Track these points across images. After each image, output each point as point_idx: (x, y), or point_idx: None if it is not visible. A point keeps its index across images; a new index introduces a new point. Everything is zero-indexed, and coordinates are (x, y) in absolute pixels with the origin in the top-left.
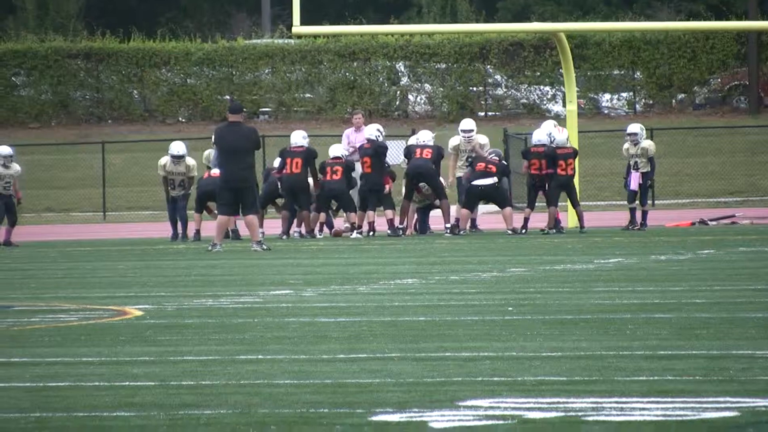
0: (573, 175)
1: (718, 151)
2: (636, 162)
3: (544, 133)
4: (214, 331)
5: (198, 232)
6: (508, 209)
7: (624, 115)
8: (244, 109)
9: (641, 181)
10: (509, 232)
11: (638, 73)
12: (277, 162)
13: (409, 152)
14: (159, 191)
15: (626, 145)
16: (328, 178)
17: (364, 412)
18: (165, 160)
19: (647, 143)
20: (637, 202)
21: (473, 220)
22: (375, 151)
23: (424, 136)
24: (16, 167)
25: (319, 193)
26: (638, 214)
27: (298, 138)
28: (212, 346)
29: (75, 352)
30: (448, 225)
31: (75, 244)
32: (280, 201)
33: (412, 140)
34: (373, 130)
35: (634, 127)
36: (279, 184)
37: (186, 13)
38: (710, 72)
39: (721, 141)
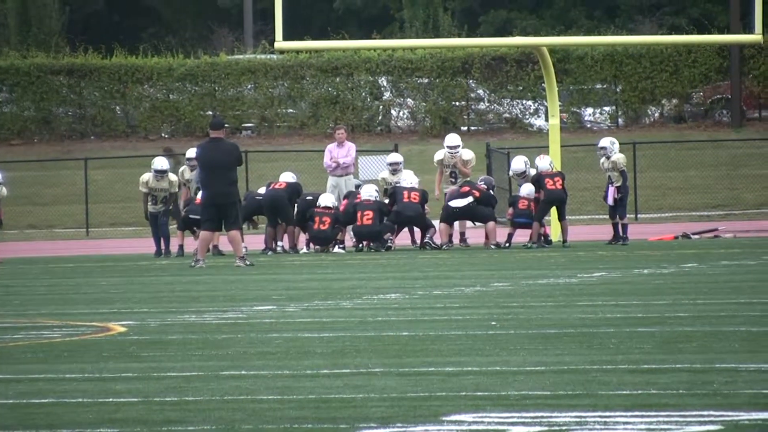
0: (563, 190)
1: (701, 165)
2: (609, 176)
3: (521, 162)
4: (197, 347)
5: (181, 247)
6: (491, 224)
7: (607, 129)
8: (227, 125)
9: (616, 195)
10: (492, 246)
11: (619, 87)
12: (262, 190)
13: (395, 194)
14: (142, 207)
15: (602, 160)
16: (316, 227)
17: (348, 427)
18: (147, 176)
19: (616, 157)
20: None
21: (462, 234)
22: (378, 208)
23: (410, 178)
24: (2, 191)
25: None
26: (620, 228)
27: (287, 177)
28: (195, 362)
29: (58, 368)
30: (429, 235)
31: (58, 261)
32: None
33: (384, 174)
34: (371, 190)
35: (604, 142)
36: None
37: (168, 29)
38: (692, 86)
39: (703, 154)
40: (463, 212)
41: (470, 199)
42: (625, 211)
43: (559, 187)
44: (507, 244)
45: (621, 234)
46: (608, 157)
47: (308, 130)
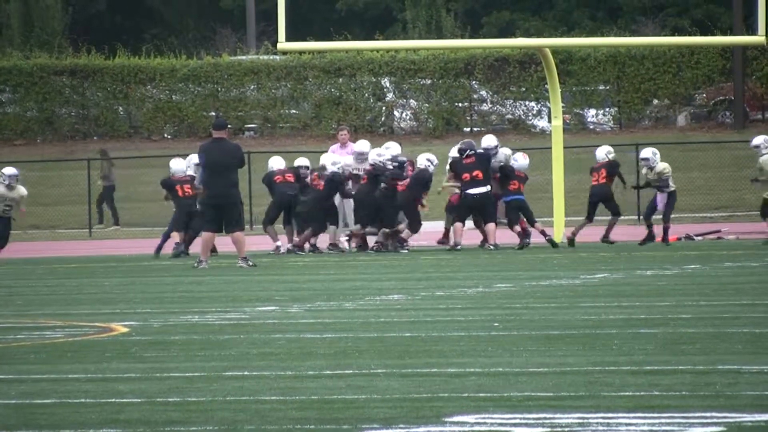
0: (606, 184)
1: (704, 167)
2: (659, 186)
3: (603, 152)
4: (200, 348)
5: (179, 245)
6: (492, 225)
7: (609, 130)
8: (229, 126)
9: (666, 201)
10: (491, 247)
11: (611, 88)
12: (273, 161)
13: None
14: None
15: (644, 171)
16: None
17: (351, 428)
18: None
19: (661, 166)
20: (659, 217)
21: (483, 241)
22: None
23: (395, 150)
24: (21, 190)
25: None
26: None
27: (302, 161)
28: (198, 363)
29: (61, 368)
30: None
31: (61, 261)
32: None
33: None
34: (373, 155)
35: (646, 152)
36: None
37: (171, 30)
38: (695, 87)
39: (706, 156)
40: (480, 201)
41: (488, 187)
42: (669, 216)
43: (602, 180)
44: (526, 241)
45: (663, 235)
46: (651, 168)
47: (311, 131)
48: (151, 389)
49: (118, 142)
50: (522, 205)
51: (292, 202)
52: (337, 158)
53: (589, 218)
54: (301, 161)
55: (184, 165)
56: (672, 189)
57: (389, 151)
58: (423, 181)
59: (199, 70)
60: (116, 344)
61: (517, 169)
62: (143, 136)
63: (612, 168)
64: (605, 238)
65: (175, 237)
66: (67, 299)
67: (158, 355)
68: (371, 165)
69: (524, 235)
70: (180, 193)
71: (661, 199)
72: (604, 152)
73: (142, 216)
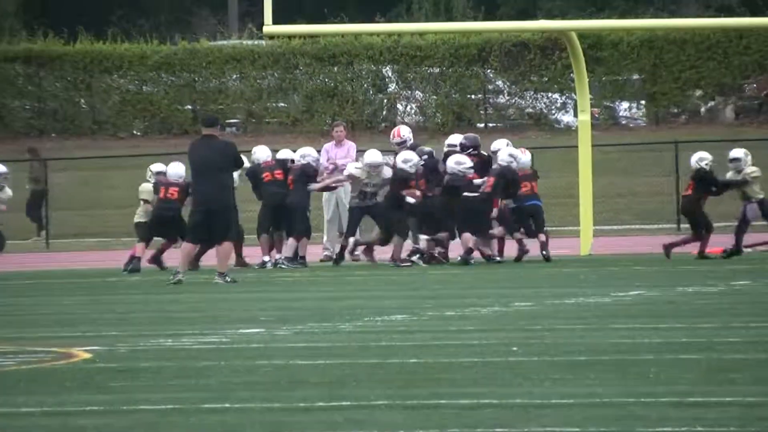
0: (692, 197)
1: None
2: (744, 191)
3: (695, 159)
4: (173, 376)
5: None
6: (500, 229)
7: (644, 126)
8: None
9: (758, 212)
10: (496, 258)
11: (659, 77)
12: (258, 151)
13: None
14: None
15: (729, 174)
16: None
17: None
18: (149, 186)
19: (750, 170)
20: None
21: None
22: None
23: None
24: (7, 192)
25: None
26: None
27: (285, 153)
28: (171, 394)
29: (12, 401)
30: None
31: (13, 277)
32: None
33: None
34: (451, 163)
35: (738, 152)
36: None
37: (141, 11)
38: (744, 76)
39: (758, 155)
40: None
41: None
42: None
43: (689, 192)
44: (527, 250)
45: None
46: (739, 171)
47: (302, 126)
48: (117, 424)
49: (79, 139)
50: (537, 211)
51: (283, 203)
52: (411, 155)
53: (695, 235)
54: (285, 153)
55: (183, 170)
56: (761, 197)
57: (410, 134)
58: (511, 180)
59: (174, 57)
60: (77, 372)
61: (520, 168)
62: (109, 133)
63: (700, 180)
64: (667, 250)
65: (139, 250)
66: (21, 320)
67: (125, 384)
68: (450, 174)
69: (542, 247)
70: (162, 194)
71: (750, 209)
72: (695, 159)
73: (107, 226)
